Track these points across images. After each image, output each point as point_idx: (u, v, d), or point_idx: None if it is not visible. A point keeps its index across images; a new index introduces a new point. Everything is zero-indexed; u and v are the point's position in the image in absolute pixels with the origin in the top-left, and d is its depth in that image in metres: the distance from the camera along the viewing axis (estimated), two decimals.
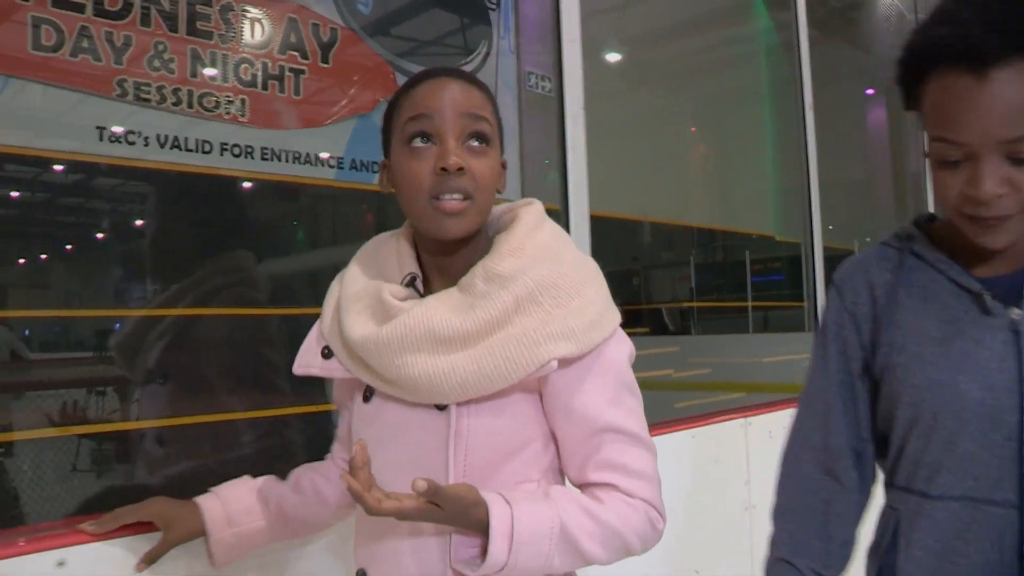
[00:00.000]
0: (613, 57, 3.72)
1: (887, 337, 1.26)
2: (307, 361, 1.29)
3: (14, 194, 1.69)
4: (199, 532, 1.34)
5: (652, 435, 1.24)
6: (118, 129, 1.70)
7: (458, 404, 1.15)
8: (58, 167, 1.70)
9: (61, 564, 1.33)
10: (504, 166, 1.27)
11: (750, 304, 5.04)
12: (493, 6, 2.44)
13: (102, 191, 1.82)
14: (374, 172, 2.08)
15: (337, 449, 1.45)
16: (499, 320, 1.12)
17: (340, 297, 1.25)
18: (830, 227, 4.01)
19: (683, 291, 4.84)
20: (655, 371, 3.52)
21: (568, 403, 1.17)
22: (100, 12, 1.69)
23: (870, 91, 5.94)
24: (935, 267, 1.24)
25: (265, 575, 1.58)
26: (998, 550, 1.14)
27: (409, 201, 1.19)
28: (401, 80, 2.18)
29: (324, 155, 2.02)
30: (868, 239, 5.19)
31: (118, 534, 1.37)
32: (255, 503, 1.38)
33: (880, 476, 1.36)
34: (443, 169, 1.14)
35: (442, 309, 1.14)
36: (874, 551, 1.32)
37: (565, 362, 1.14)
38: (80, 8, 1.66)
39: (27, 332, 1.68)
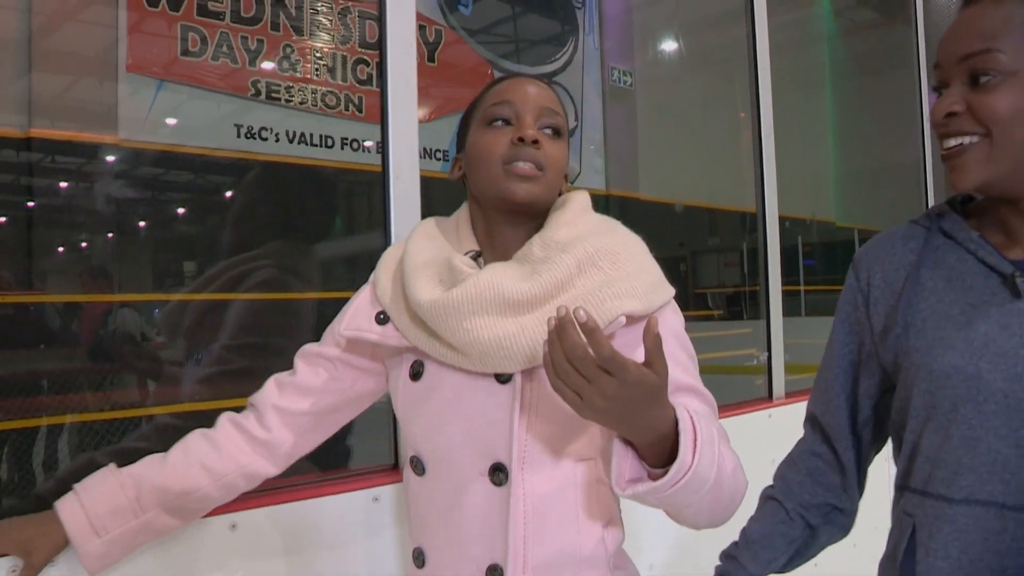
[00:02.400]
0: (669, 45, 3.80)
1: (903, 318, 1.17)
2: (359, 324, 1.24)
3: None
4: (63, 545, 1.20)
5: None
6: (254, 127, 1.86)
7: (522, 372, 1.11)
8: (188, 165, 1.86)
9: None
10: (566, 178, 1.29)
11: (803, 288, 5.09)
12: (579, 5, 2.56)
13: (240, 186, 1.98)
14: None
15: (274, 394, 1.30)
16: (563, 282, 1.12)
17: (405, 265, 1.22)
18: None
19: (732, 276, 4.90)
20: (733, 351, 3.60)
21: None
22: (236, 18, 1.84)
23: None
24: (964, 246, 1.14)
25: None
26: None
27: (482, 169, 1.20)
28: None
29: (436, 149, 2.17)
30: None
31: None
32: (123, 501, 1.20)
33: (891, 478, 1.26)
34: (520, 140, 1.17)
35: (510, 273, 1.14)
36: (889, 561, 1.20)
37: (631, 320, 1.10)
38: (220, 16, 1.82)
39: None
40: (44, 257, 1.67)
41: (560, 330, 0.92)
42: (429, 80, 2.17)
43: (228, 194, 1.93)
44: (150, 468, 1.24)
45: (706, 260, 4.99)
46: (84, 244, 1.75)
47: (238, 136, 1.84)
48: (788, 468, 1.35)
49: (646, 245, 1.24)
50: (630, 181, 2.74)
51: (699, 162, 3.70)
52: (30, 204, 1.66)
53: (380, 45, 1.74)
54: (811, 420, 1.34)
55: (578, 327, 0.91)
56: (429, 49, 2.18)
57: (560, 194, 1.27)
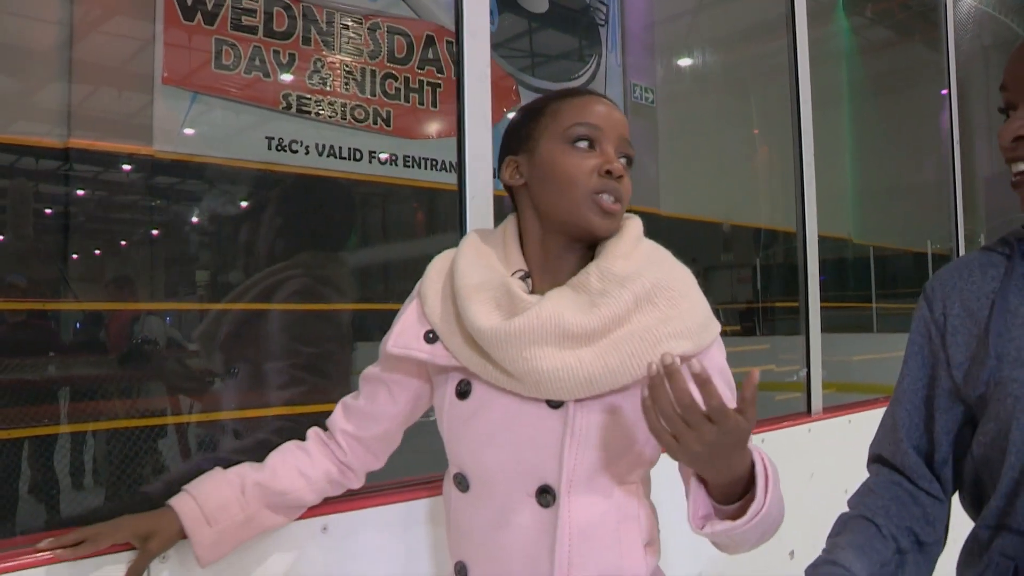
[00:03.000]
0: (684, 61, 3.83)
1: (994, 349, 1.10)
2: (406, 343, 1.25)
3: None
4: (178, 537, 1.29)
5: None
6: (285, 139, 1.89)
7: (575, 401, 1.14)
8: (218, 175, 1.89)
9: None
10: None
11: (820, 304, 5.08)
12: (602, 22, 2.59)
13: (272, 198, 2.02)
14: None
15: (341, 421, 1.37)
16: (621, 317, 1.14)
17: (457, 285, 1.23)
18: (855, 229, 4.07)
19: (744, 291, 4.91)
20: (752, 366, 3.65)
21: None
22: (269, 33, 1.88)
23: (945, 91, 5.96)
24: None
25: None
26: None
27: (565, 192, 1.19)
28: (523, 93, 2.35)
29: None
30: (939, 244, 5.25)
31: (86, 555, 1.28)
32: (231, 496, 1.32)
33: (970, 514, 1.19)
34: (608, 172, 1.16)
35: (570, 304, 1.15)
36: None
37: (682, 360, 1.10)
38: (253, 30, 1.85)
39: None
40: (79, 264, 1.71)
41: (670, 377, 0.96)
42: (455, 95, 2.20)
43: (258, 205, 1.96)
44: (251, 469, 1.34)
45: (719, 275, 5.01)
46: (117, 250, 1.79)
47: (269, 148, 1.87)
48: (868, 495, 1.23)
49: (694, 277, 1.24)
50: (651, 197, 2.77)
51: (715, 178, 3.73)
52: (65, 211, 1.69)
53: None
54: (879, 461, 1.25)
55: (686, 375, 0.95)
56: (456, 64, 2.21)
57: None
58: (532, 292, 1.21)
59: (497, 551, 1.19)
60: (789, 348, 4.25)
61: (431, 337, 1.23)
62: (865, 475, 1.27)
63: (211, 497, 1.30)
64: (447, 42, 2.20)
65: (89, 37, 1.71)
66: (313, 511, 1.38)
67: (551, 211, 1.22)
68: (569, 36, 2.49)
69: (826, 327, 4.79)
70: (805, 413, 2.79)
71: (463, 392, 1.22)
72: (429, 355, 1.23)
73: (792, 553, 1.28)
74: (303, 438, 1.38)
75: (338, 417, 1.37)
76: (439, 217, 2.33)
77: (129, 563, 1.28)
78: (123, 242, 1.79)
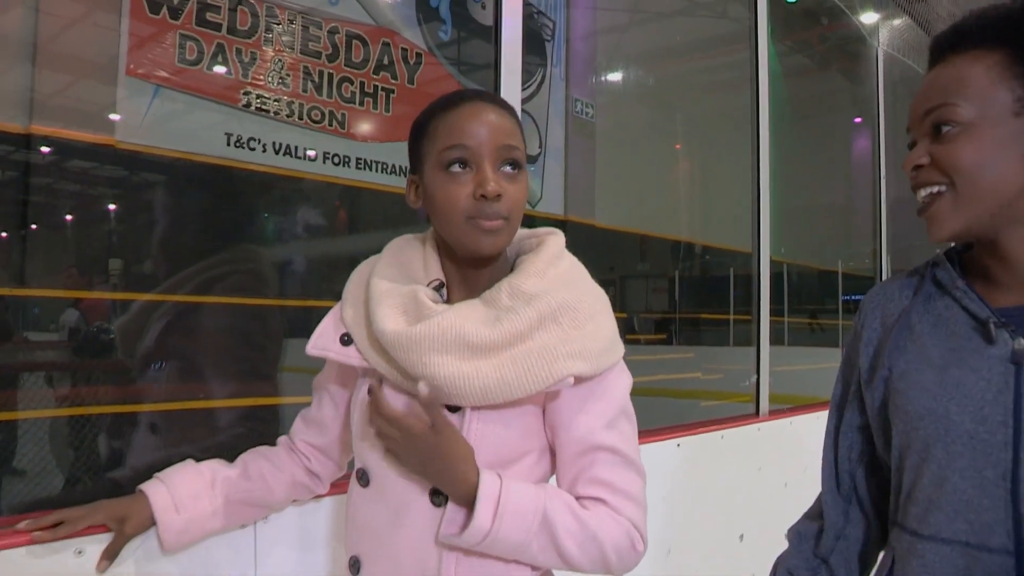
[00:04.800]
0: (622, 77, 3.96)
1: (889, 362, 1.21)
2: (324, 344, 1.30)
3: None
4: (151, 522, 1.33)
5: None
6: (243, 136, 1.93)
7: (473, 408, 1.18)
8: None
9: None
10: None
11: (732, 317, 5.27)
12: (548, 38, 2.69)
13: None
14: None
15: (301, 430, 1.44)
16: (522, 334, 1.17)
17: (371, 290, 1.27)
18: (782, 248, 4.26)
19: (660, 302, 5.05)
20: (680, 374, 3.82)
21: (570, 420, 1.21)
22: (232, 30, 1.91)
23: (858, 120, 6.27)
24: (951, 294, 1.17)
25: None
26: None
27: (446, 222, 1.22)
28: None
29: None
30: (851, 262, 5.52)
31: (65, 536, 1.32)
32: (201, 487, 1.37)
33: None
34: (482, 196, 1.18)
35: (474, 317, 1.18)
36: None
37: (578, 380, 1.17)
38: (218, 27, 1.89)
39: None
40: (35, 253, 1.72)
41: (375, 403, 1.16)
42: (408, 101, 2.27)
43: (216, 199, 1.99)
44: (221, 465, 1.41)
45: (641, 285, 5.16)
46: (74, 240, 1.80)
47: (228, 144, 1.90)
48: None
49: (607, 299, 1.29)
50: (587, 208, 2.88)
51: (643, 191, 3.87)
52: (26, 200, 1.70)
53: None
54: (824, 466, 1.35)
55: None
56: (410, 72, 2.28)
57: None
58: (448, 302, 1.25)
59: (390, 547, 1.22)
60: (713, 358, 4.45)
61: (346, 340, 1.28)
62: (803, 475, 1.37)
63: (182, 486, 1.35)
64: (401, 49, 2.26)
65: (54, 25, 1.72)
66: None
67: (443, 236, 1.27)
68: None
69: (740, 341, 5.00)
70: (755, 415, 3.10)
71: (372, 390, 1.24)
72: (343, 356, 1.28)
73: (742, 536, 1.38)
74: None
75: (298, 427, 1.44)
76: (390, 218, 2.39)
77: (105, 545, 1.32)
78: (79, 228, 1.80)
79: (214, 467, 1.40)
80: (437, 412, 1.14)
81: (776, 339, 3.66)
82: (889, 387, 1.20)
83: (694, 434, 2.65)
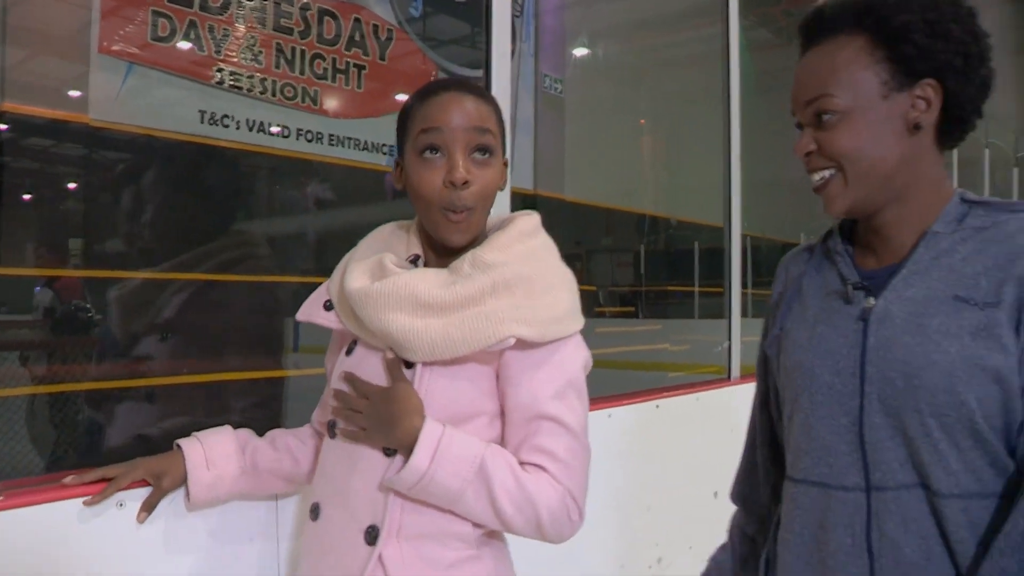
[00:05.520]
0: (590, 52, 3.99)
1: (780, 321, 1.33)
2: (310, 312, 1.42)
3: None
4: (186, 478, 1.45)
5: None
6: (217, 114, 1.94)
7: (423, 364, 1.27)
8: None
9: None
10: (506, 164, 1.39)
11: (697, 289, 5.33)
12: (517, 13, 2.71)
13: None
14: None
15: (318, 415, 1.54)
16: (474, 298, 1.24)
17: (350, 260, 1.39)
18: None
19: (626, 276, 5.10)
20: (649, 345, 3.90)
21: (518, 385, 1.27)
22: (204, 7, 1.92)
23: None
24: (832, 259, 1.30)
25: None
26: (851, 535, 1.17)
27: (423, 208, 1.32)
28: (442, 77, 2.45)
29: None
30: (812, 236, 5.59)
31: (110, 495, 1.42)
32: (233, 450, 1.48)
33: None
34: (451, 183, 1.27)
35: (431, 279, 1.27)
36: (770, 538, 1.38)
37: (522, 344, 1.24)
38: (190, 3, 1.89)
39: None
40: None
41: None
42: (379, 77, 2.29)
43: (189, 175, 2.00)
44: (251, 435, 1.54)
45: (607, 258, 5.20)
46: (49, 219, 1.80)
47: (202, 122, 1.91)
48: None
49: (574, 278, 1.36)
50: (556, 183, 2.92)
51: (612, 165, 3.91)
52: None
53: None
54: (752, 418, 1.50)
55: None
56: (381, 48, 2.29)
57: (500, 189, 1.39)
58: None
59: (344, 494, 1.30)
60: (680, 330, 4.52)
61: (328, 306, 1.40)
62: None
63: (216, 446, 1.47)
64: (373, 26, 2.27)
65: (24, 2, 1.72)
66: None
67: (421, 219, 1.37)
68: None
69: (705, 313, 5.08)
70: (727, 378, 3.40)
71: (349, 350, 1.37)
72: (324, 320, 1.41)
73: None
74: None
75: (316, 413, 1.55)
76: (362, 193, 2.41)
77: (143, 498, 1.44)
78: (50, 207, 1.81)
79: (246, 434, 1.53)
80: (396, 370, 1.27)
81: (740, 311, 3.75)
82: (778, 344, 1.33)
83: (672, 396, 2.81)
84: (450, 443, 1.21)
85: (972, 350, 1.10)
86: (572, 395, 1.29)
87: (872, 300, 1.20)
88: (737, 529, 1.50)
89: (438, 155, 1.29)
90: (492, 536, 1.32)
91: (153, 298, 1.84)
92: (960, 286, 1.14)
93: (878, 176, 1.19)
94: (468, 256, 1.28)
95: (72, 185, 1.89)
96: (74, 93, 1.78)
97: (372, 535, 1.25)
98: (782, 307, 1.35)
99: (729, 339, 3.40)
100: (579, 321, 1.32)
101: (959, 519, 1.10)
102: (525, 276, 1.27)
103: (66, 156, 1.86)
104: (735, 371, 3.38)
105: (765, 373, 1.43)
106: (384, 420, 1.25)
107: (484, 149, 1.30)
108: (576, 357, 1.31)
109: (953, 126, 1.21)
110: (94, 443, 1.80)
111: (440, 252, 1.36)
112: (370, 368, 1.32)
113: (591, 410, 1.39)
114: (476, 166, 1.29)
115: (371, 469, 1.27)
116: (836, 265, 1.28)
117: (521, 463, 1.26)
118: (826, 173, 1.21)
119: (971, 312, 1.12)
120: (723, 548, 1.52)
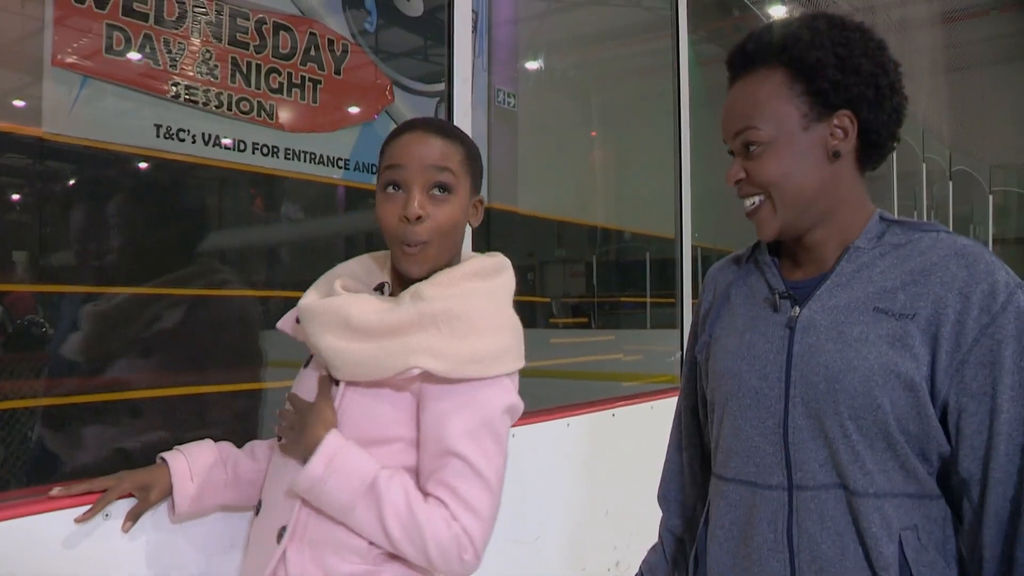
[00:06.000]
0: (542, 66, 4.03)
1: (709, 329, 1.40)
2: (285, 320, 1.53)
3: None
4: (170, 488, 1.49)
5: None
6: (172, 127, 1.94)
7: (347, 383, 1.35)
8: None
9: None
10: (481, 202, 1.48)
11: (648, 300, 5.38)
12: (473, 29, 2.74)
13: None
14: (374, 173, 2.36)
15: None
16: (400, 327, 1.31)
17: (322, 277, 1.50)
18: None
19: (578, 286, 5.14)
20: (603, 355, 3.96)
21: (433, 419, 1.31)
22: (160, 20, 1.92)
23: None
24: (760, 269, 1.37)
25: None
26: (773, 530, 1.24)
27: (387, 240, 1.40)
28: (398, 93, 2.48)
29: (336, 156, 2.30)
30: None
31: (87, 501, 1.46)
32: (215, 460, 1.54)
33: None
34: (405, 218, 1.34)
35: (365, 305, 1.34)
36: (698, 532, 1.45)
37: (437, 378, 1.30)
38: (145, 17, 1.89)
39: None
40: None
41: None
42: (334, 92, 2.30)
43: (145, 189, 2.00)
44: (232, 448, 1.59)
45: (553, 270, 5.23)
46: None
47: (157, 136, 1.91)
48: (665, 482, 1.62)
49: (520, 329, 1.40)
50: (510, 196, 2.95)
51: (564, 177, 3.96)
52: None
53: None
54: (674, 423, 1.61)
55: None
56: (336, 63, 2.31)
57: (472, 225, 1.48)
58: None
59: (273, 495, 1.40)
60: (632, 340, 4.58)
61: (298, 320, 1.46)
62: None
63: (199, 457, 1.52)
64: (328, 40, 2.29)
65: None
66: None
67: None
68: (441, 41, 2.63)
69: (657, 323, 5.13)
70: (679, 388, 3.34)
71: (307, 362, 1.49)
72: (293, 331, 1.50)
73: None
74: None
75: None
76: (316, 207, 2.42)
77: (129, 507, 1.48)
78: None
79: (227, 446, 1.59)
80: (323, 386, 1.38)
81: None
82: (707, 350, 1.40)
83: (627, 405, 2.90)
84: (346, 456, 1.29)
85: (888, 357, 1.18)
86: (487, 437, 1.31)
87: (798, 309, 1.27)
88: (665, 531, 1.57)
89: (399, 191, 1.37)
90: (397, 557, 1.33)
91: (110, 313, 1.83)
92: (879, 298, 1.22)
93: (803, 201, 1.26)
94: (412, 288, 1.35)
95: (30, 198, 1.87)
96: (31, 106, 1.77)
97: (280, 534, 1.34)
98: (711, 315, 1.42)
99: (681, 349, 3.49)
100: (508, 366, 1.35)
101: (873, 517, 1.18)
102: (454, 313, 1.31)
103: (19, 169, 1.84)
104: None
105: (693, 378, 1.51)
106: (300, 430, 1.34)
107: (443, 187, 1.37)
108: (496, 401, 1.34)
109: (871, 151, 1.29)
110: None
111: (404, 282, 1.42)
112: (311, 382, 1.42)
113: (550, 419, 1.44)
114: (433, 202, 1.36)
115: (289, 475, 1.35)
116: (764, 275, 1.35)
117: (426, 494, 1.30)
118: (756, 199, 1.29)
119: (888, 322, 1.19)
120: (654, 550, 1.59)
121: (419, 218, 1.34)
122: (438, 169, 1.36)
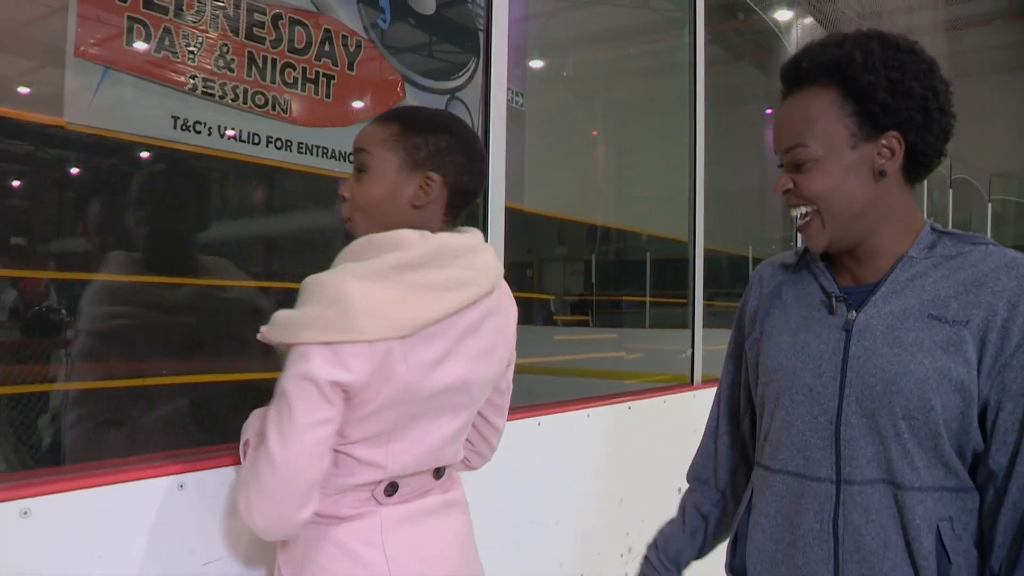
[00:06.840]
0: (550, 65, 4.07)
1: (760, 326, 1.48)
2: None
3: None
4: None
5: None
6: (189, 120, 1.97)
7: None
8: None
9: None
10: (429, 180, 1.47)
11: (648, 299, 5.43)
12: (482, 28, 2.77)
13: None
14: None
15: None
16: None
17: None
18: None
19: (577, 284, 5.18)
20: (605, 353, 4.03)
21: None
22: (179, 14, 1.95)
23: (769, 111, 6.50)
24: (813, 273, 1.44)
25: None
26: (819, 520, 1.32)
27: None
28: (409, 90, 2.51)
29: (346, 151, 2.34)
30: (759, 247, 5.75)
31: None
32: None
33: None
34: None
35: None
36: (736, 518, 1.53)
37: (263, 337, 1.39)
38: (165, 10, 1.92)
39: None
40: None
41: None
42: (347, 87, 2.34)
43: (162, 180, 2.03)
44: None
45: (560, 268, 5.28)
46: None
47: (174, 128, 1.95)
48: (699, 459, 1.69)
49: (351, 300, 1.31)
50: (515, 194, 2.98)
51: (571, 176, 4.00)
52: None
53: (484, 125, 2.54)
54: (714, 406, 1.68)
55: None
56: (350, 58, 2.34)
57: (415, 206, 1.48)
58: None
59: None
60: (632, 339, 4.63)
61: None
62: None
63: None
64: (342, 36, 2.32)
65: (1, 5, 1.74)
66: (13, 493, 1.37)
67: None
68: (452, 39, 2.66)
69: (656, 323, 5.18)
70: (690, 383, 3.68)
71: None
72: None
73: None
74: None
75: None
76: (326, 199, 2.45)
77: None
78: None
79: None
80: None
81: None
82: (758, 346, 1.48)
83: (641, 399, 3.05)
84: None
85: (942, 362, 1.25)
86: (275, 404, 1.34)
87: (854, 313, 1.34)
88: (691, 506, 1.64)
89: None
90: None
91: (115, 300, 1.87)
92: (933, 306, 1.29)
93: (849, 216, 1.33)
94: None
95: (51, 187, 1.91)
96: (53, 97, 1.80)
97: None
98: (760, 312, 1.49)
99: (692, 347, 3.68)
100: (306, 336, 1.30)
101: (917, 509, 1.26)
102: (310, 282, 1.37)
103: (41, 159, 1.88)
104: (697, 377, 3.66)
105: (735, 369, 1.60)
106: None
107: (358, 167, 1.52)
108: (292, 366, 1.32)
109: (917, 167, 1.36)
110: None
111: None
112: None
113: (571, 410, 1.52)
114: (355, 182, 1.51)
115: None
116: (817, 279, 1.42)
117: None
118: (803, 209, 1.36)
119: (942, 328, 1.27)
120: (672, 522, 1.66)
121: (343, 198, 1.51)
122: (357, 151, 1.52)
